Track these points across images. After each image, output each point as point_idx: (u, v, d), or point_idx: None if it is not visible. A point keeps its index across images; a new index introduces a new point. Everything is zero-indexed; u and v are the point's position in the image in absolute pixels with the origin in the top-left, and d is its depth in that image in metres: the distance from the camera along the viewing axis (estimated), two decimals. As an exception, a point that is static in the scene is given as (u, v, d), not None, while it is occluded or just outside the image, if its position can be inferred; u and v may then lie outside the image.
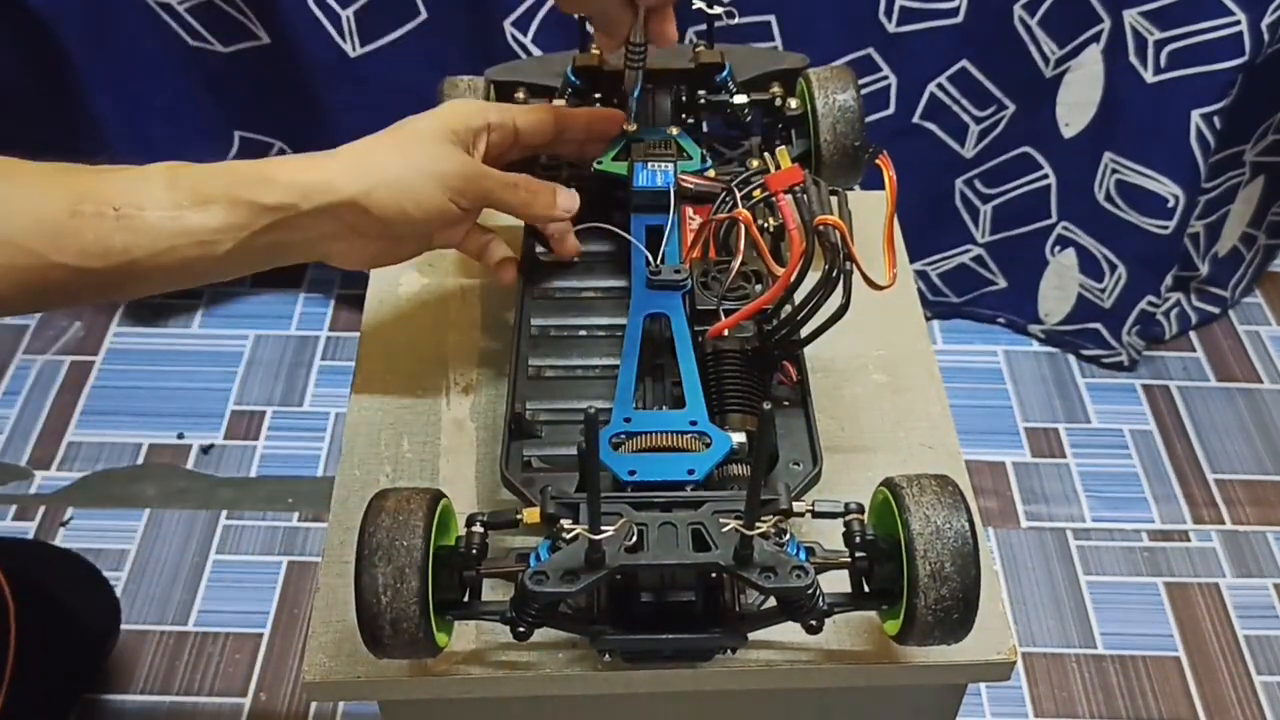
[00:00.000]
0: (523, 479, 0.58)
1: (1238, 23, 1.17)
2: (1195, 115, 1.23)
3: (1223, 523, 1.29)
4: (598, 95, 0.74)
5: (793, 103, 0.73)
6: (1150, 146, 1.28)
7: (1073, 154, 1.33)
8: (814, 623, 0.52)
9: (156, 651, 1.16)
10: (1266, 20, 1.17)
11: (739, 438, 0.56)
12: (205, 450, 1.33)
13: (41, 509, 1.28)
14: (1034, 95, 1.30)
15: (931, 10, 1.23)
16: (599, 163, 0.70)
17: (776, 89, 0.75)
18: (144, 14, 1.26)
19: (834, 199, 0.57)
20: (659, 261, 0.65)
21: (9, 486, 1.30)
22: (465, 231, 0.66)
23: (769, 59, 0.76)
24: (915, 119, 1.30)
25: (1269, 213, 1.47)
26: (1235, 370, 1.45)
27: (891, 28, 1.23)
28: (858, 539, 0.53)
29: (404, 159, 0.61)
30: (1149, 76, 1.23)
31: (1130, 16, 1.21)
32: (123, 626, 1.16)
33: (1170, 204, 1.29)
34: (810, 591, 0.50)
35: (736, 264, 0.62)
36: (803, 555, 0.50)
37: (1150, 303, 1.38)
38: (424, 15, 1.24)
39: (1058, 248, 1.41)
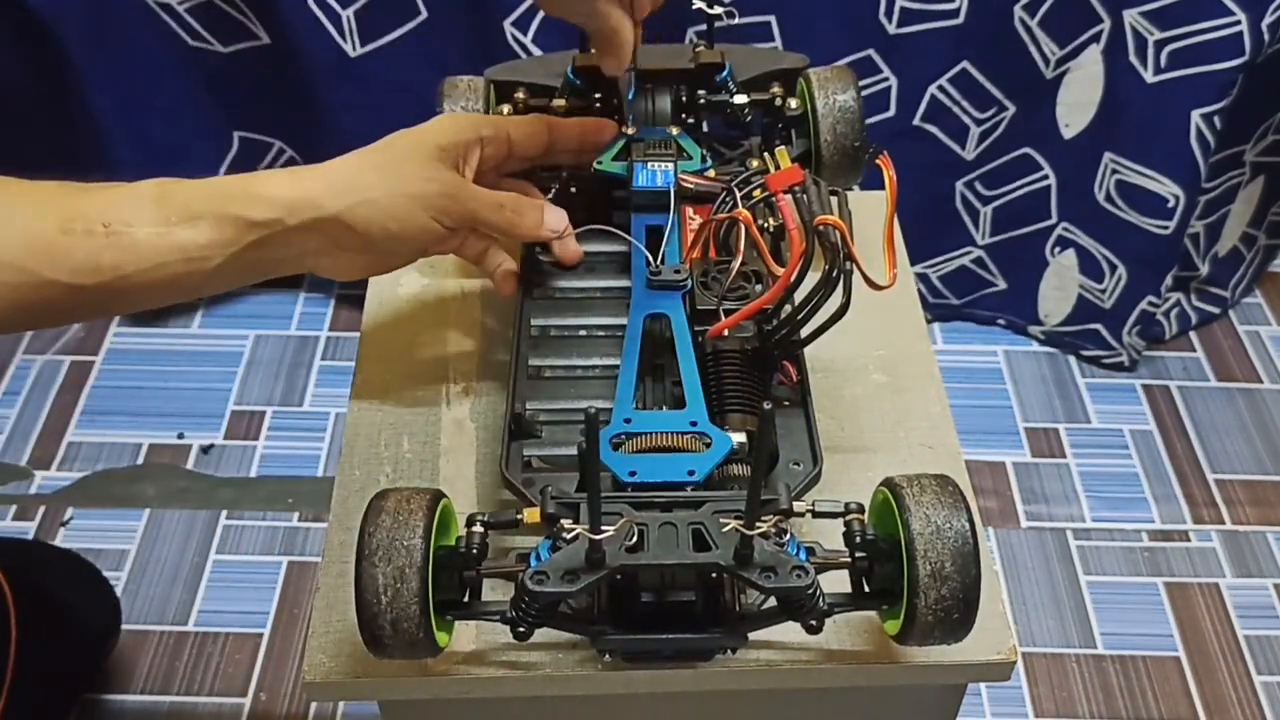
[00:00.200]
0: (523, 479, 0.58)
1: (1238, 23, 1.17)
2: (1195, 115, 1.23)
3: (1223, 523, 1.29)
4: (598, 95, 0.74)
5: (793, 103, 0.73)
6: (1150, 147, 1.28)
7: (1073, 154, 1.33)
8: (814, 623, 0.52)
9: (156, 651, 1.16)
10: (1266, 20, 1.17)
11: (739, 438, 0.56)
12: (205, 450, 1.33)
13: (41, 509, 1.28)
14: (1034, 96, 1.30)
15: (932, 11, 1.23)
16: (599, 163, 0.70)
17: (776, 89, 0.74)
18: (144, 14, 1.26)
19: (834, 199, 0.57)
20: (659, 261, 0.65)
21: (9, 486, 1.30)
22: (459, 243, 0.66)
23: (769, 59, 0.76)
24: (916, 121, 1.30)
25: (1269, 213, 1.47)
26: (1235, 370, 1.45)
27: (892, 29, 1.23)
28: (858, 539, 0.53)
29: (387, 179, 0.61)
30: (1149, 77, 1.23)
31: (1130, 16, 1.21)
32: (123, 626, 1.15)
33: (1170, 204, 1.29)
34: (810, 591, 0.50)
35: (736, 264, 0.62)
36: (803, 555, 0.50)
37: (1150, 303, 1.38)
38: (424, 15, 1.24)
39: (1058, 248, 1.40)
